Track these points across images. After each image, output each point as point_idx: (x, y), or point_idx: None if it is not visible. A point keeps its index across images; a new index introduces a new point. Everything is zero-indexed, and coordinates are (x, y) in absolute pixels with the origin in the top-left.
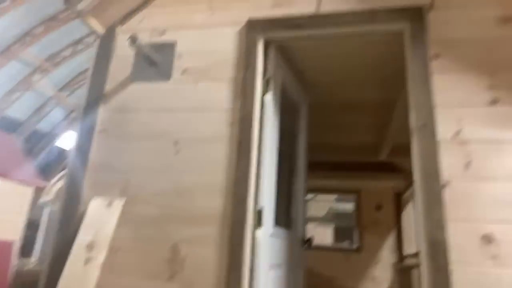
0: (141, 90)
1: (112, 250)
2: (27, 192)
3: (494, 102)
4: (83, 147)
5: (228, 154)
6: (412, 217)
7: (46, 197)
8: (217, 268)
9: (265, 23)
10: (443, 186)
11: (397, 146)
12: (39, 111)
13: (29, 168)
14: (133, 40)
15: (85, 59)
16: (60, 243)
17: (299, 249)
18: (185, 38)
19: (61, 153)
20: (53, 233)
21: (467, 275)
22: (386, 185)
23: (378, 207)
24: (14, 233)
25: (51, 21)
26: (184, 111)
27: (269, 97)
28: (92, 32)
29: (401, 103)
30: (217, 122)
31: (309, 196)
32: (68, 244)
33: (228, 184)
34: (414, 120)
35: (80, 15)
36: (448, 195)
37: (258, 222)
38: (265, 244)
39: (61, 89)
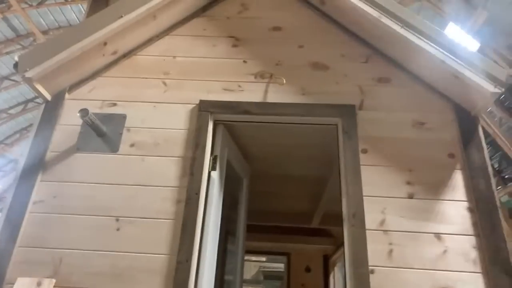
0: (85, 161)
1: None
2: None
3: (411, 195)
4: (14, 219)
5: (172, 234)
6: (340, 280)
7: None
8: None
9: (216, 105)
10: (371, 271)
11: (327, 215)
12: None
13: None
14: (84, 114)
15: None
16: None
17: None
18: (136, 111)
19: None
20: None
21: None
22: (315, 248)
23: (308, 269)
24: None
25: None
26: (129, 186)
27: (215, 174)
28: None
29: (332, 180)
30: (162, 200)
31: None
32: None
33: (170, 267)
34: (345, 208)
35: (27, 81)
36: (373, 280)
37: None
38: None
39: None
